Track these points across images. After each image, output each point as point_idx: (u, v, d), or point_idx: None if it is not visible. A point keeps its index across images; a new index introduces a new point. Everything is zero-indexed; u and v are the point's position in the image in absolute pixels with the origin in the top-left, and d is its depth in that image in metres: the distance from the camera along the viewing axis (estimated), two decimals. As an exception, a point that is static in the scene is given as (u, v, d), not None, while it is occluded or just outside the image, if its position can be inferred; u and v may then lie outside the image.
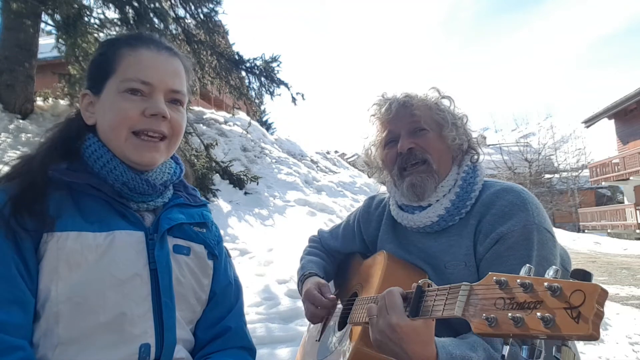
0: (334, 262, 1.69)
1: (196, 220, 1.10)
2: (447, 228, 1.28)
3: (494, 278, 0.65)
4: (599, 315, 0.51)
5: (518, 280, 0.60)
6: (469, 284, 0.73)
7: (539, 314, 0.55)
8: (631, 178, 21.17)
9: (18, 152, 5.66)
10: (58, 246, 0.88)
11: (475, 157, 1.34)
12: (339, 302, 1.50)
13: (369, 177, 1.55)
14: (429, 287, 0.90)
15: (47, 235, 0.88)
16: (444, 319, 0.80)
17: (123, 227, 0.96)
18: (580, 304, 0.51)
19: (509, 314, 0.59)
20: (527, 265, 0.63)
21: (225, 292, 1.12)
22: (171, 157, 1.10)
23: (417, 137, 1.29)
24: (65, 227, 0.89)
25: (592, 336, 0.50)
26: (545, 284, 0.56)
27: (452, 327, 1.15)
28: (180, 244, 1.04)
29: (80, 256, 0.88)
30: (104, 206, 0.96)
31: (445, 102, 1.34)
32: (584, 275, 0.54)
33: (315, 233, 1.82)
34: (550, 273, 0.58)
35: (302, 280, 1.53)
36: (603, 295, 0.51)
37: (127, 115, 0.96)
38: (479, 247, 1.20)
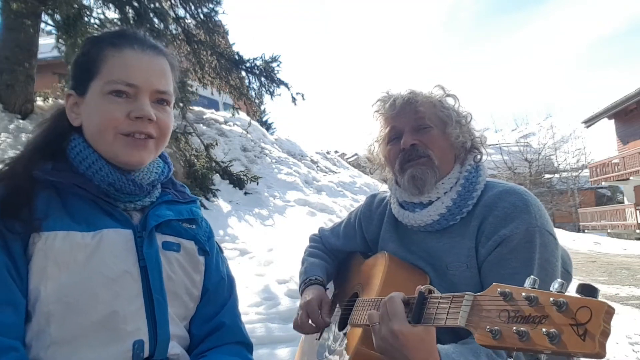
0: (335, 262, 1.69)
1: (185, 216, 1.09)
2: (448, 227, 1.28)
3: (499, 289, 0.64)
4: (606, 334, 0.50)
5: (523, 293, 0.59)
6: (473, 294, 0.73)
7: (544, 329, 0.54)
8: (631, 178, 21.16)
9: (18, 152, 5.64)
10: (46, 246, 0.87)
11: (479, 156, 1.33)
12: (338, 305, 1.50)
13: (371, 174, 1.54)
14: (431, 293, 0.89)
15: (34, 236, 0.88)
16: (446, 327, 0.79)
17: (111, 226, 0.95)
18: (587, 321, 0.50)
19: (514, 328, 0.58)
20: (532, 277, 0.62)
21: (218, 288, 1.12)
22: (159, 156, 1.09)
23: (421, 134, 1.29)
24: (53, 227, 0.89)
25: (599, 354, 0.49)
26: (551, 298, 0.55)
27: (453, 329, 1.15)
28: (170, 241, 1.03)
29: (69, 256, 0.88)
30: (90, 205, 0.96)
31: (450, 100, 1.34)
32: (590, 290, 0.53)
33: (316, 232, 1.81)
34: (555, 286, 0.57)
35: (305, 283, 1.52)
36: (610, 312, 0.50)
37: (112, 117, 0.95)
38: (480, 249, 1.19)
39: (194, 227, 1.11)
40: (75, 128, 1.01)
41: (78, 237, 0.90)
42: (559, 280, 0.58)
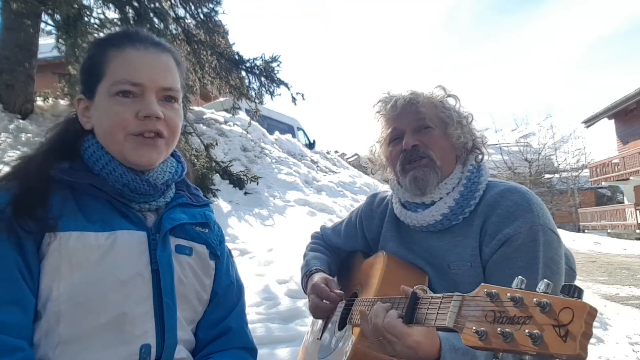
0: (337, 259, 1.69)
1: (198, 220, 1.10)
2: (450, 227, 1.28)
3: (485, 290, 0.64)
4: (587, 335, 0.50)
5: (508, 294, 0.59)
6: (461, 294, 0.73)
7: (527, 330, 0.54)
8: (631, 178, 21.13)
9: (18, 152, 5.65)
10: (60, 246, 0.88)
11: (480, 156, 1.34)
12: (343, 301, 1.50)
13: (372, 174, 1.55)
14: (424, 293, 0.90)
15: (49, 235, 0.88)
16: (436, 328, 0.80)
17: (125, 227, 0.96)
18: (569, 322, 0.50)
19: (499, 329, 0.58)
20: (519, 277, 0.62)
21: (226, 293, 1.12)
22: (172, 156, 1.09)
23: (422, 134, 1.30)
24: (67, 227, 0.90)
25: (580, 356, 0.49)
26: (535, 299, 0.55)
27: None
28: (183, 244, 1.03)
29: (82, 256, 0.88)
30: (105, 206, 0.96)
31: (451, 100, 1.34)
32: (574, 291, 0.53)
33: (318, 230, 1.81)
34: (541, 287, 0.57)
35: (307, 275, 1.53)
36: (592, 313, 0.50)
37: (121, 118, 0.95)
38: (484, 248, 1.20)
39: (207, 231, 1.11)
40: (88, 130, 1.02)
41: (92, 238, 0.91)
42: (546, 280, 0.58)
